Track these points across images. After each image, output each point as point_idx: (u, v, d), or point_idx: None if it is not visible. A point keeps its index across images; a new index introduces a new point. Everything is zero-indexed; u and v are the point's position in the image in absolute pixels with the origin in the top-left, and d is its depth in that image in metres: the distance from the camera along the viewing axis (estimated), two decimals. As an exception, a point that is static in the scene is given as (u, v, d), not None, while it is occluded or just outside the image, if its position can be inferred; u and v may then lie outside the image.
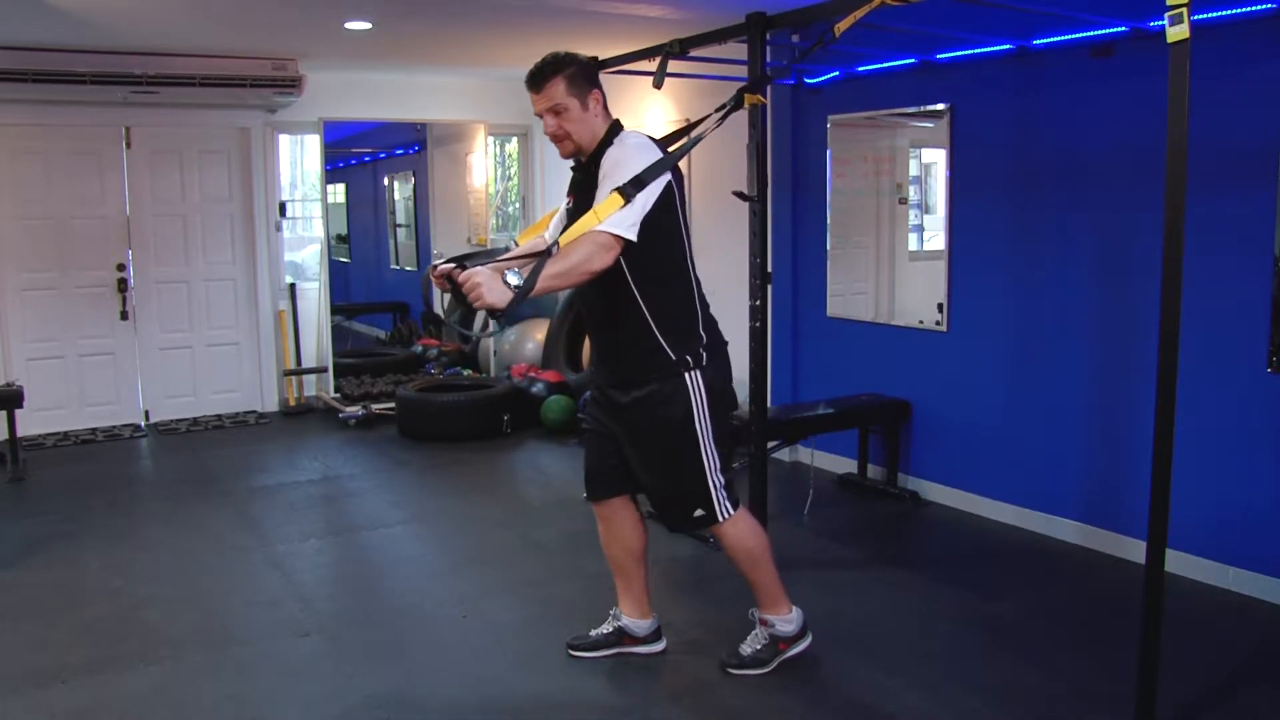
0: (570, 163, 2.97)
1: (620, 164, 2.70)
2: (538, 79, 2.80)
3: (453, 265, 2.56)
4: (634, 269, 2.78)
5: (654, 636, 3.28)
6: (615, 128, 2.87)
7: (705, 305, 2.96)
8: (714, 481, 2.93)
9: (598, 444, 3.12)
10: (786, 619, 3.13)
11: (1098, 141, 4.04)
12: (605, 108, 2.88)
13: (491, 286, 2.46)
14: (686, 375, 2.86)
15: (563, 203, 3.06)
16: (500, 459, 5.93)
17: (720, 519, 2.97)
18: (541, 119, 2.85)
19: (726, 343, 3.04)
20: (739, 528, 3.02)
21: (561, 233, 2.91)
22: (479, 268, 2.51)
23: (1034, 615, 3.56)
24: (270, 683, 3.13)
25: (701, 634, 3.42)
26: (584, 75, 2.83)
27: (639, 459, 3.00)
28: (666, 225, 2.79)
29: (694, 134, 2.92)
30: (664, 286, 2.84)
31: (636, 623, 3.25)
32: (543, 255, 2.55)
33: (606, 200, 2.60)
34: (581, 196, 2.85)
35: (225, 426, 6.73)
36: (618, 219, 2.58)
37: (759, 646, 3.13)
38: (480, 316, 6.88)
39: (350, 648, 3.37)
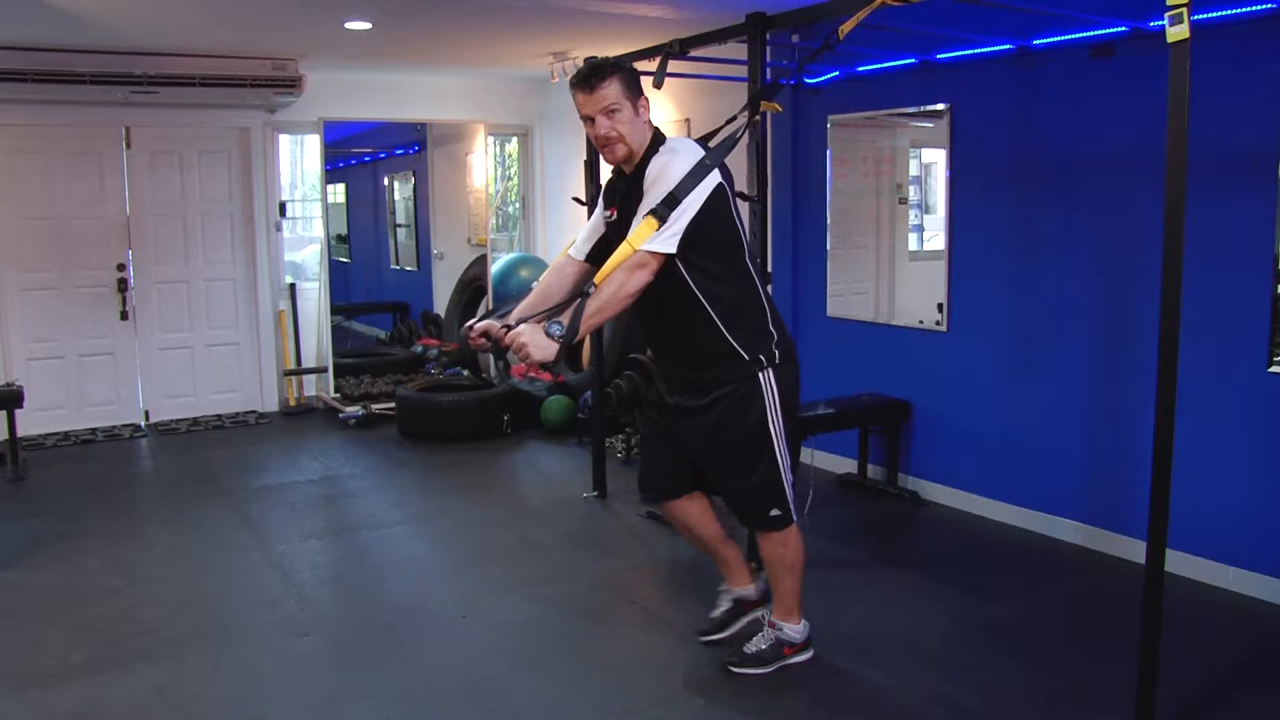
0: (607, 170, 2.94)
1: (666, 169, 2.69)
2: (593, 78, 2.72)
3: (489, 324, 2.64)
4: (696, 275, 2.76)
5: (767, 595, 3.26)
6: (658, 136, 2.83)
7: (773, 303, 2.95)
8: (786, 481, 2.94)
9: (658, 447, 3.13)
10: (795, 628, 3.14)
11: (1098, 141, 4.04)
12: (648, 113, 2.84)
13: (537, 344, 2.53)
14: (761, 375, 2.85)
15: (598, 212, 3.01)
16: (500, 459, 5.93)
17: (793, 518, 2.98)
18: (590, 122, 2.76)
19: (794, 341, 3.03)
20: (793, 532, 3.03)
21: (596, 242, 2.96)
22: (522, 327, 2.57)
23: (1033, 615, 3.56)
24: (270, 683, 3.13)
25: (701, 634, 3.42)
26: (636, 80, 2.80)
27: (713, 462, 3.00)
28: (723, 227, 2.77)
29: (728, 138, 2.87)
30: (729, 288, 2.81)
31: (746, 589, 3.29)
32: (581, 298, 2.58)
33: (641, 226, 2.62)
34: (625, 207, 2.81)
35: (225, 426, 6.73)
36: (653, 240, 2.60)
37: (764, 647, 3.13)
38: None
39: (350, 648, 3.37)
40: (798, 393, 3.04)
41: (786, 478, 2.94)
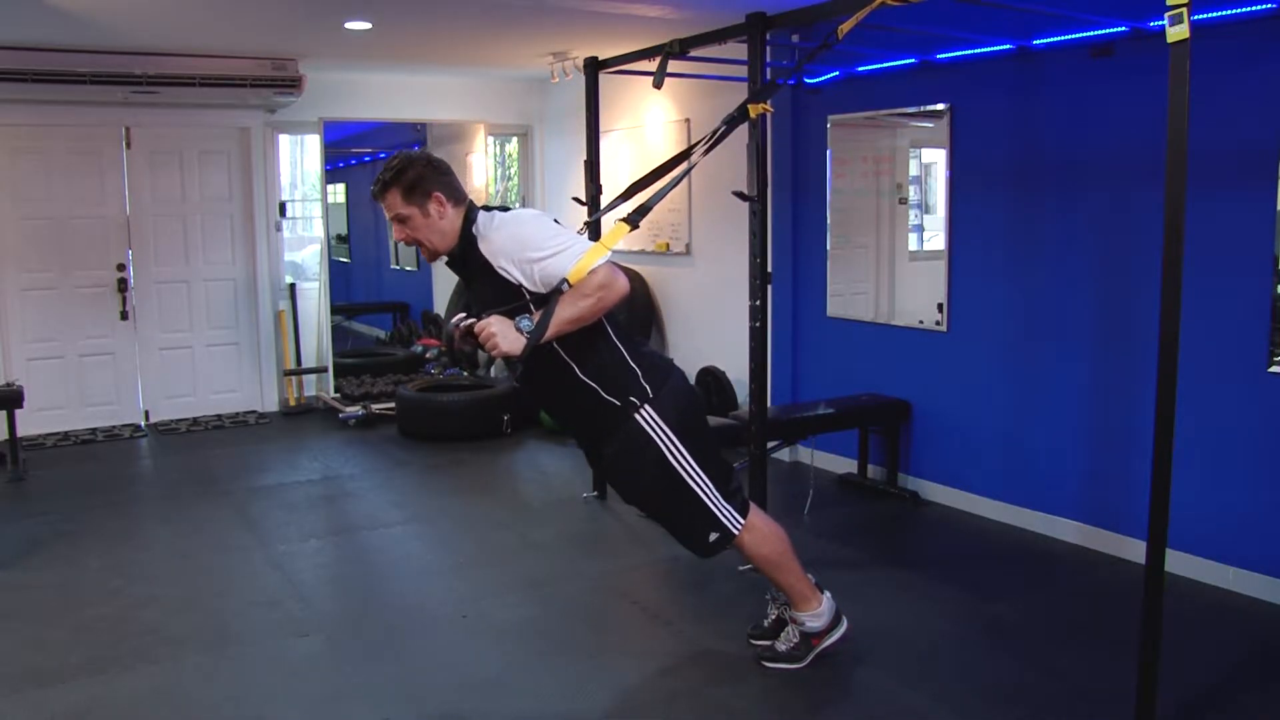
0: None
1: (528, 240, 2.63)
2: (376, 192, 2.75)
3: (471, 321, 2.61)
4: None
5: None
6: (471, 213, 2.75)
7: (626, 337, 2.89)
8: (712, 502, 2.91)
9: None
10: (815, 614, 3.12)
11: (1098, 141, 4.04)
12: (452, 202, 2.73)
13: (505, 335, 2.52)
14: (639, 416, 2.82)
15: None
16: (500, 459, 5.93)
17: (734, 533, 2.96)
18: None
19: (669, 360, 3.00)
20: (754, 535, 3.01)
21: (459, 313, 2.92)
22: (493, 316, 2.56)
23: (1034, 615, 3.56)
24: (270, 683, 3.13)
25: (702, 634, 3.42)
26: (418, 184, 2.70)
27: (640, 505, 3.09)
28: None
29: (708, 143, 2.89)
30: (582, 336, 2.72)
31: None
32: (554, 296, 2.57)
33: (613, 230, 2.62)
34: (471, 282, 2.80)
35: (225, 426, 6.73)
36: (605, 256, 2.60)
37: (793, 644, 3.13)
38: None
39: (350, 648, 3.37)
40: (691, 404, 2.96)
41: (711, 500, 2.91)
